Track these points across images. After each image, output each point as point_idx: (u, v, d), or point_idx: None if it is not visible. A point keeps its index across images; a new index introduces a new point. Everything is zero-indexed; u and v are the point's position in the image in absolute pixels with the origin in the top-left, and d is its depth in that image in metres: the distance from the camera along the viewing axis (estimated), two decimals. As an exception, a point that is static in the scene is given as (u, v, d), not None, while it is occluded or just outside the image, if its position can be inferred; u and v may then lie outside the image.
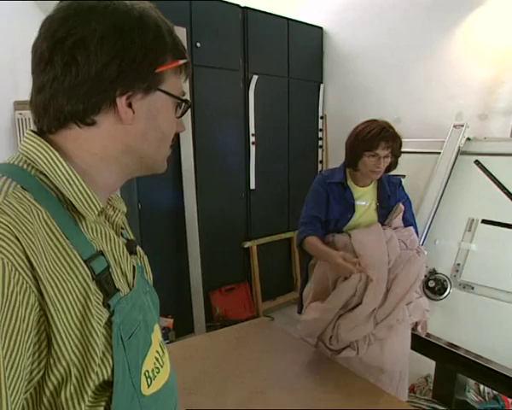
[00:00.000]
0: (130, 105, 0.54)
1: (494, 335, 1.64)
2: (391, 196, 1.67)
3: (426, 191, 1.97)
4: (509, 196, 1.76)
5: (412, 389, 2.35)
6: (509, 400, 2.18)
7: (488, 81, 2.49)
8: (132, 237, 0.70)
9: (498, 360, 1.61)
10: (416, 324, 1.61)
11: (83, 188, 0.52)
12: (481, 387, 2.29)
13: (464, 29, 2.62)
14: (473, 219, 1.82)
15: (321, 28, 3.60)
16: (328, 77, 3.67)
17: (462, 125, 2.02)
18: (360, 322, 1.44)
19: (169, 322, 2.75)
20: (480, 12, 2.53)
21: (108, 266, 0.54)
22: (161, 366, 0.63)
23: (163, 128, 0.59)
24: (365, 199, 1.69)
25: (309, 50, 3.59)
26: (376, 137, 1.56)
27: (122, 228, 0.66)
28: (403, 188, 1.73)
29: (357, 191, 1.71)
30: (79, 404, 0.48)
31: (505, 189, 1.78)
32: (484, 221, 1.79)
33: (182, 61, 0.58)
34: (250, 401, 1.14)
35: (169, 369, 0.67)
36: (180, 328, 2.78)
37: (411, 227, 1.61)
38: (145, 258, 0.72)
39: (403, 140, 1.66)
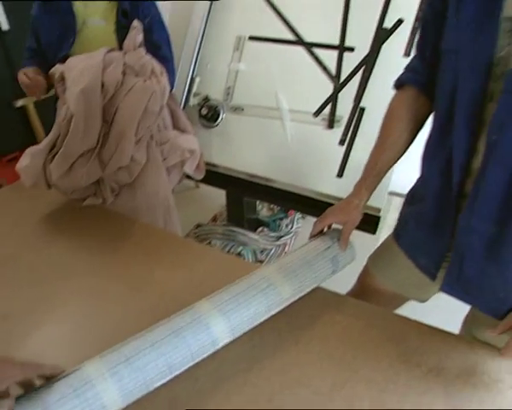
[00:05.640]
0: None
1: (267, 153, 1.69)
2: (131, 12, 1.37)
3: (191, 11, 1.76)
4: (273, 9, 1.68)
5: (214, 219, 2.49)
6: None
7: None
8: None
9: (276, 177, 1.71)
10: (183, 163, 1.50)
11: None
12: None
13: None
14: (240, 37, 1.72)
15: None
16: None
17: None
18: (78, 165, 1.17)
19: None
20: None
21: None
22: None
23: None
24: (102, 17, 1.39)
25: None
26: None
27: None
28: (154, 4, 1.46)
29: (87, 7, 1.38)
30: None
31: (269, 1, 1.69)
32: (251, 38, 1.72)
33: None
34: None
35: None
36: None
37: (141, 49, 1.27)
38: None
39: None
